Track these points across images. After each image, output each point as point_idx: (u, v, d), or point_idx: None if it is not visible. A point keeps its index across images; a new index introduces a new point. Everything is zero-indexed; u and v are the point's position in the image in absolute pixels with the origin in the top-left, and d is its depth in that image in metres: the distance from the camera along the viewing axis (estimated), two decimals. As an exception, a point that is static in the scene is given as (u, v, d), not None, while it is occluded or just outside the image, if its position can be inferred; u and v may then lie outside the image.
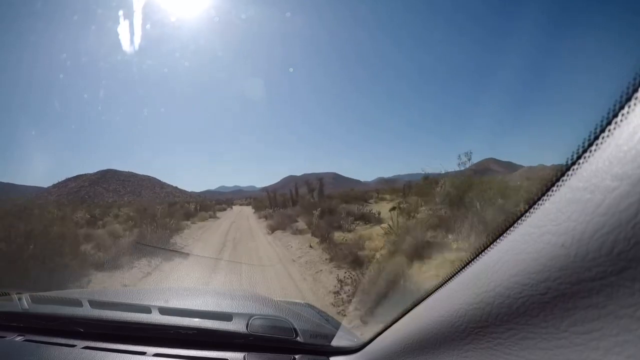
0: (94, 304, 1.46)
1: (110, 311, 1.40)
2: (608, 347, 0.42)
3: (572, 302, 0.46)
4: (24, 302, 1.45)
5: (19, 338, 1.28)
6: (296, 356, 1.18)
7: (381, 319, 3.35)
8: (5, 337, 1.29)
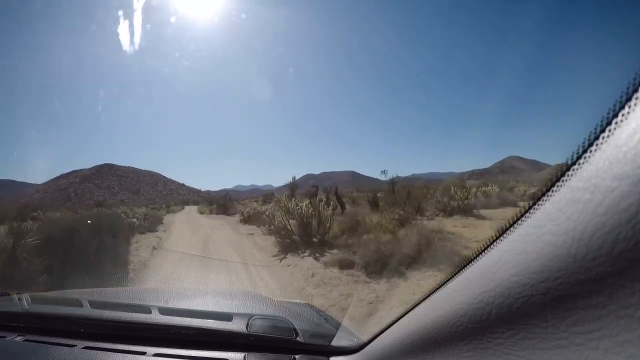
0: (94, 304, 1.46)
1: (110, 311, 1.40)
2: (608, 347, 0.42)
3: (572, 302, 0.46)
4: (24, 302, 1.45)
5: (19, 338, 1.28)
6: (296, 356, 1.18)
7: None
8: (5, 337, 1.28)
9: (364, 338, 1.21)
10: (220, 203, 30.67)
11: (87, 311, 1.40)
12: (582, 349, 0.46)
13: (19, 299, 1.46)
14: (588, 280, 0.43)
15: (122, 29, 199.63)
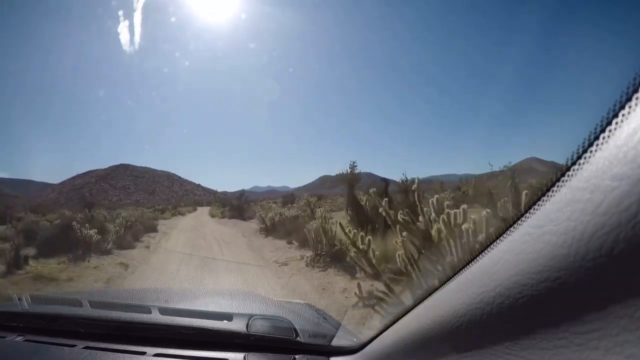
0: (94, 304, 1.46)
1: (110, 311, 1.41)
2: (608, 347, 0.42)
3: (572, 302, 0.46)
4: (24, 302, 1.46)
5: (19, 338, 1.28)
6: (296, 356, 1.18)
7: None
8: (5, 337, 1.29)
9: (364, 338, 1.21)
10: (235, 205, 23.91)
11: (87, 311, 1.41)
12: (582, 349, 0.46)
13: (19, 299, 1.47)
14: (588, 281, 0.43)
15: (127, 29, 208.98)
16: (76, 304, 1.49)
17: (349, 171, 11.43)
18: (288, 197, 30.45)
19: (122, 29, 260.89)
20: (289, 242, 9.66)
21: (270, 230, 12.14)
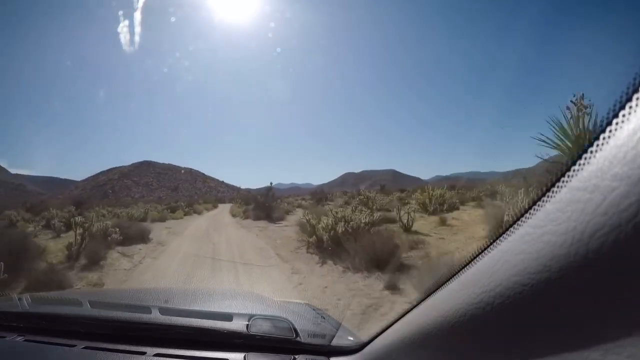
0: (94, 304, 1.47)
1: (110, 311, 1.41)
2: (608, 347, 0.42)
3: (572, 302, 0.46)
4: (24, 302, 1.46)
5: (19, 338, 1.28)
6: (296, 356, 1.18)
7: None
8: (5, 337, 1.29)
9: (364, 338, 1.21)
10: (260, 202, 19.81)
11: (87, 311, 1.41)
12: (582, 349, 0.46)
13: (19, 299, 1.48)
14: (588, 281, 0.43)
15: (126, 28, 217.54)
16: (76, 304, 1.50)
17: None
18: (319, 193, 26.29)
19: (122, 28, 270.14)
20: (391, 289, 4.54)
21: (326, 248, 7.04)
